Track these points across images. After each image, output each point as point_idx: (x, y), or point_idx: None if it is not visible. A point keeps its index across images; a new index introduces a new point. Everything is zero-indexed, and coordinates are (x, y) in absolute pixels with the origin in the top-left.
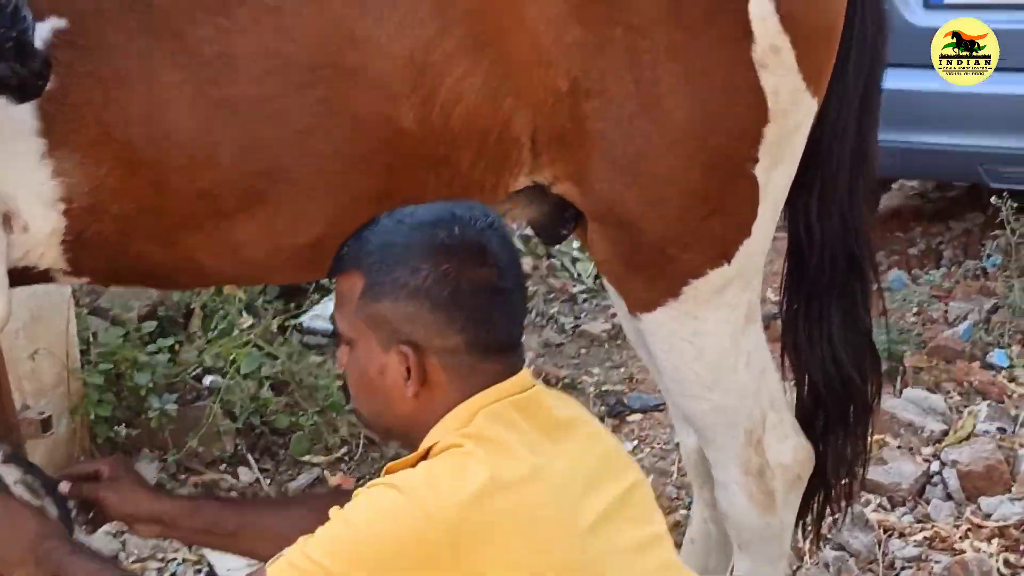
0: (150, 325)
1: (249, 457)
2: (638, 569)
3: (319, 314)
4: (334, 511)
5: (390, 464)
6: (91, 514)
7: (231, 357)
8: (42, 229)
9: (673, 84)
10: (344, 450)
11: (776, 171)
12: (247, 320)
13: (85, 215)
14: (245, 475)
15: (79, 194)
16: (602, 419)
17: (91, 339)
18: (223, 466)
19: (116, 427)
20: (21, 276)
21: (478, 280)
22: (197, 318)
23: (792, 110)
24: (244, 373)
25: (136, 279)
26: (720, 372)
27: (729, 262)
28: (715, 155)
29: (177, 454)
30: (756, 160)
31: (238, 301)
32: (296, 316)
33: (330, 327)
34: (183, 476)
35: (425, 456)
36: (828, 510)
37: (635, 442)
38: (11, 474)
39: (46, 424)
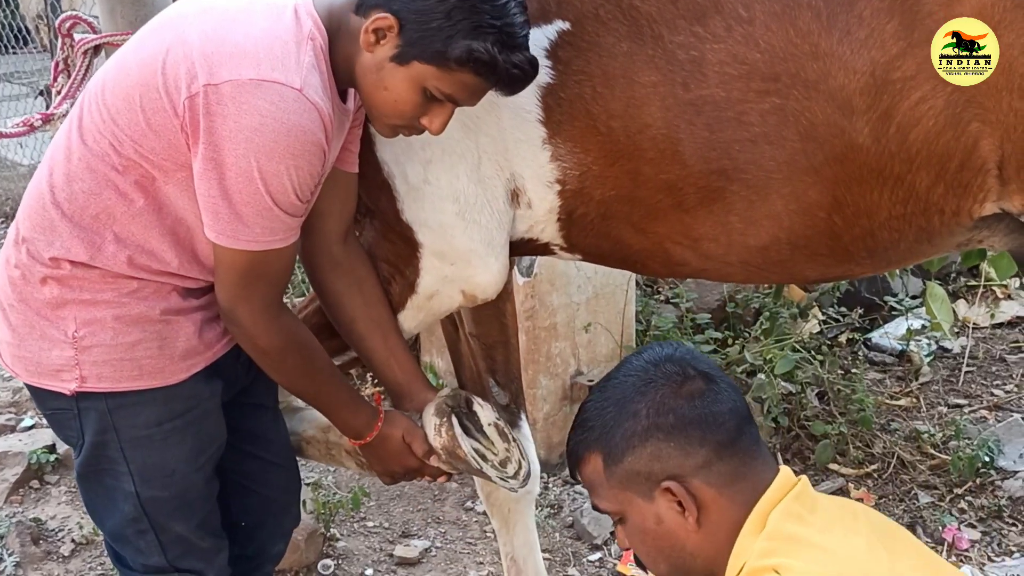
0: (703, 316)
1: (778, 456)
2: None
3: (888, 332)
4: None
5: None
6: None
7: (769, 356)
8: (542, 207)
9: None
10: (875, 467)
11: None
12: (811, 326)
13: (574, 197)
14: None
15: (570, 178)
16: None
17: (649, 322)
18: None
19: None
20: (526, 247)
21: (690, 392)
22: (766, 319)
23: None
24: (778, 374)
25: (617, 261)
26: None
27: None
28: None
29: None
30: None
31: (795, 306)
32: (867, 331)
33: (896, 347)
34: None
35: None
36: None
37: None
38: (487, 416)
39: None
